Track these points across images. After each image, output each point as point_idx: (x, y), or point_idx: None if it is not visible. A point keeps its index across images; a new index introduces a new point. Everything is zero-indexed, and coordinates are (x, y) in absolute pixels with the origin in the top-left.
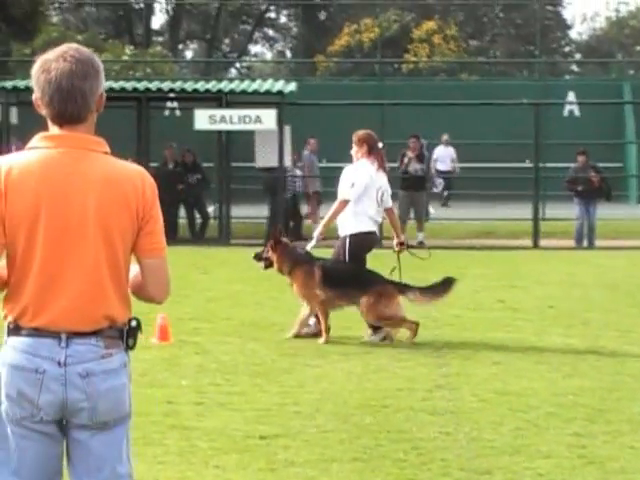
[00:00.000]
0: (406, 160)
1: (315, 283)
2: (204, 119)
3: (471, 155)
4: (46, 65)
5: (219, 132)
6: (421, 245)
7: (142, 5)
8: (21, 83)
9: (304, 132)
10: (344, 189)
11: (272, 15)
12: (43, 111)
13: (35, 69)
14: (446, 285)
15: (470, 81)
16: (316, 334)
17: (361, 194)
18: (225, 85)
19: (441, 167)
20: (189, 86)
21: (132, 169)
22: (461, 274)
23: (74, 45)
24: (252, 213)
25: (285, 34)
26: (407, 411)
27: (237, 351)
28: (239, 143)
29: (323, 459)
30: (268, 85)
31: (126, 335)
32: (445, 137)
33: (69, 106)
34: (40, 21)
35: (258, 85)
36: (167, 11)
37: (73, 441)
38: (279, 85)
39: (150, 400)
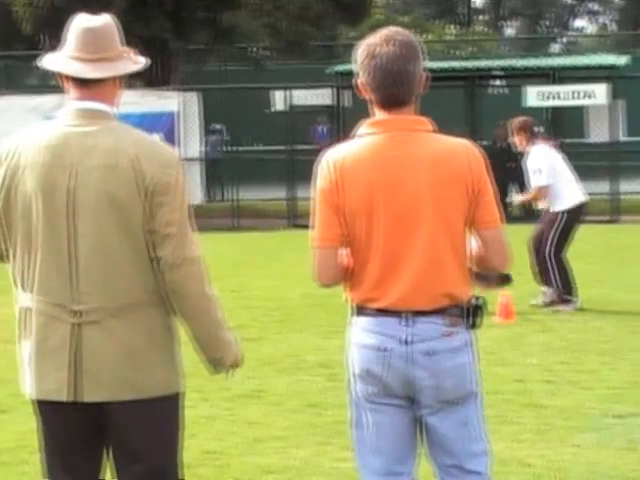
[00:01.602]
0: None
1: None
2: (533, 96)
3: None
4: (372, 49)
5: (545, 109)
6: None
7: None
8: (353, 66)
9: (637, 106)
10: (535, 176)
11: None
12: (369, 95)
13: (360, 54)
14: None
15: None
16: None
17: (552, 174)
18: (554, 61)
19: None
20: (518, 63)
21: (457, 144)
22: None
23: (395, 28)
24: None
25: (609, 7)
26: None
27: (582, 329)
28: (564, 119)
29: None
30: (599, 59)
31: (469, 313)
32: None
33: (398, 90)
34: (369, 5)
35: (589, 59)
36: None
37: (424, 425)
38: (611, 59)
39: (500, 378)
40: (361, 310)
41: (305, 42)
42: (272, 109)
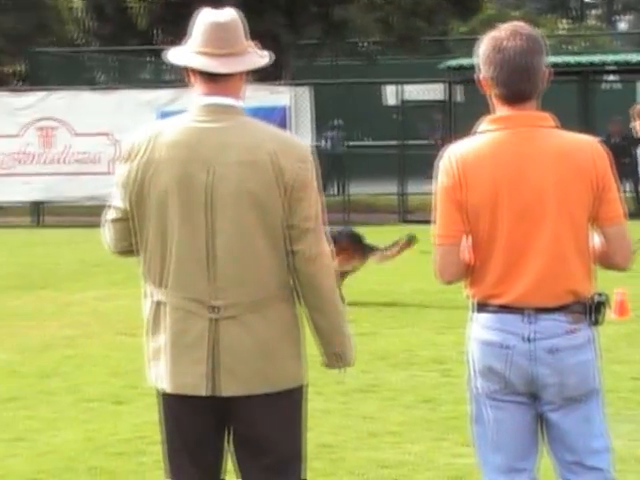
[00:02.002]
0: None
1: None
2: None
3: None
4: (498, 43)
5: None
6: None
7: None
8: (466, 61)
9: None
10: None
11: None
12: (492, 90)
13: (485, 48)
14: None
15: None
16: None
17: None
18: None
19: None
20: (633, 58)
21: (582, 140)
22: None
23: (519, 23)
24: None
25: None
26: None
27: None
28: None
29: None
30: None
31: (591, 310)
32: None
33: (524, 85)
34: (482, 0)
35: None
36: None
37: (545, 421)
38: None
39: (617, 376)
40: (482, 307)
41: (417, 37)
42: (383, 104)
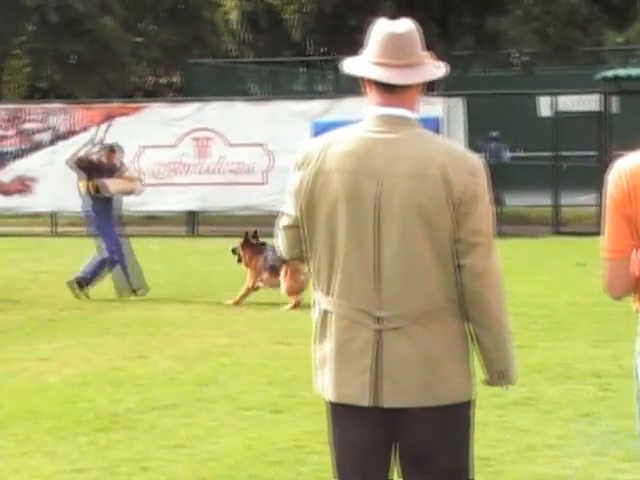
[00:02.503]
0: None
1: None
2: None
3: None
4: None
5: None
6: None
7: None
8: (622, 72)
9: None
10: None
11: None
12: None
13: None
14: None
15: None
16: None
17: None
18: None
19: None
20: None
21: None
22: None
23: None
24: None
25: None
26: None
27: None
28: None
29: None
30: None
31: None
32: None
33: None
34: (638, 9)
35: None
36: None
37: None
38: None
39: None
40: None
41: (573, 47)
42: (538, 115)
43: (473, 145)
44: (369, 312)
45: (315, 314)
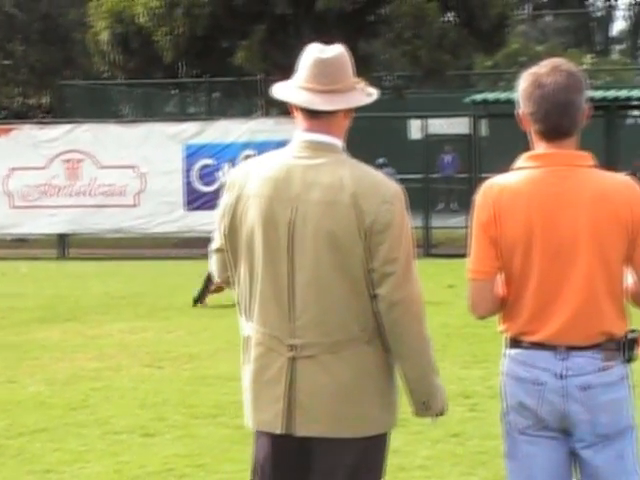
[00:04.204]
0: None
1: None
2: None
3: None
4: (537, 79)
5: None
6: None
7: (602, 13)
8: (490, 95)
9: None
10: None
11: None
12: (531, 127)
13: (525, 84)
14: None
15: None
16: None
17: None
18: None
19: None
20: None
21: (620, 181)
22: None
23: (561, 59)
24: None
25: None
26: None
27: None
28: None
29: None
30: None
31: (624, 347)
32: None
33: (562, 121)
34: (506, 34)
35: None
36: (628, 17)
37: (578, 458)
38: None
39: None
40: (515, 343)
41: (443, 70)
42: (409, 138)
43: None
44: (282, 339)
45: (241, 340)
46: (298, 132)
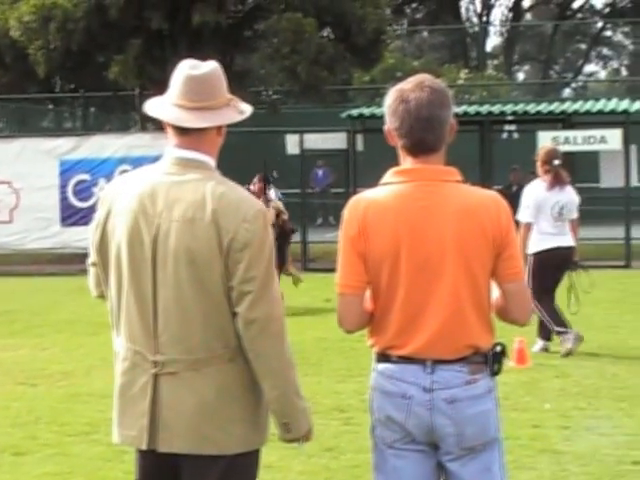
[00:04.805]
0: None
1: None
2: (547, 141)
3: None
4: (403, 95)
5: None
6: None
7: (477, 29)
8: (366, 110)
9: None
10: (521, 211)
11: (607, 33)
12: (397, 142)
13: (391, 100)
14: None
15: None
16: None
17: (534, 213)
18: (568, 106)
19: None
20: (532, 108)
21: (486, 196)
22: None
23: (426, 75)
24: (603, 234)
25: (621, 52)
26: None
27: (597, 375)
28: (577, 164)
29: None
30: (613, 104)
31: (491, 360)
32: None
33: (427, 136)
34: (382, 49)
35: (602, 105)
36: (502, 33)
37: (446, 472)
38: (624, 104)
39: (516, 424)
40: (383, 357)
41: (320, 86)
42: (286, 153)
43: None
44: (146, 356)
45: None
46: (169, 148)
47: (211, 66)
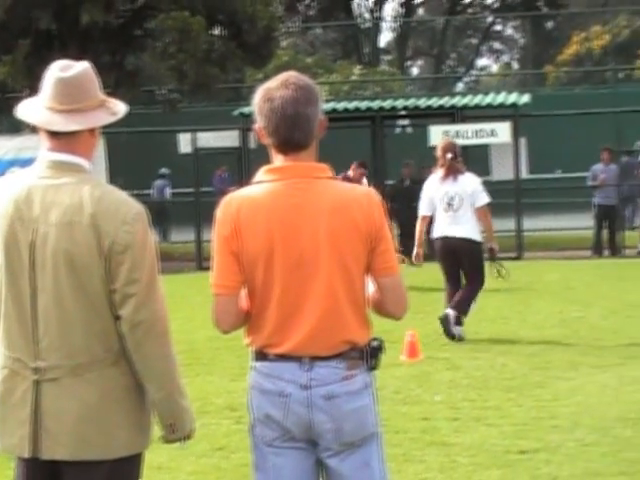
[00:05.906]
0: None
1: None
2: (438, 135)
3: None
4: (269, 94)
5: None
6: None
7: (369, 25)
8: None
9: (538, 144)
10: (420, 204)
11: (498, 28)
12: (267, 140)
13: (258, 99)
14: None
15: None
16: None
17: (429, 205)
18: (458, 100)
19: None
20: (422, 103)
21: (358, 192)
22: None
23: (292, 72)
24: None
25: (512, 46)
26: None
27: (488, 366)
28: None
29: (587, 473)
30: (502, 98)
31: (368, 356)
32: None
33: (295, 133)
34: (274, 47)
35: (491, 99)
36: (394, 29)
37: (325, 468)
38: (513, 97)
39: (406, 417)
40: (260, 355)
41: (211, 84)
42: (179, 152)
43: (115, 182)
44: (26, 362)
45: None
46: (42, 151)
47: (82, 67)
